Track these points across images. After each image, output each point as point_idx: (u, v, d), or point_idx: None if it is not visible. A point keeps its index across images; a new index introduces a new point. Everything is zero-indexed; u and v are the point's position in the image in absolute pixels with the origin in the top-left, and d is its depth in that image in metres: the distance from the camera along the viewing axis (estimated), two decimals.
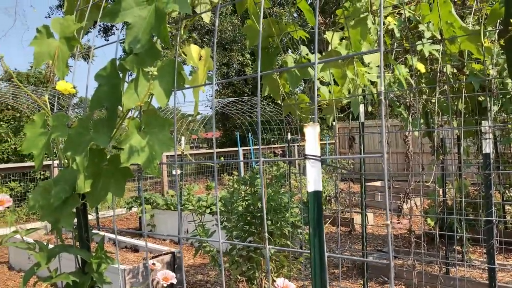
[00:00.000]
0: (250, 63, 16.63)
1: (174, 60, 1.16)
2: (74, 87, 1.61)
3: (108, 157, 1.24)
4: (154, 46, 1.15)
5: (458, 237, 3.78)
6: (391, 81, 2.64)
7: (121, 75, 1.21)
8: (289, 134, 8.41)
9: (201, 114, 12.13)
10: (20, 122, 9.60)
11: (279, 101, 2.73)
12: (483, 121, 2.17)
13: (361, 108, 2.70)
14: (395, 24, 2.64)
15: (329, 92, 2.64)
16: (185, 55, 1.20)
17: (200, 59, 1.24)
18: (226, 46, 16.45)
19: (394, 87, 2.87)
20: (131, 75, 1.24)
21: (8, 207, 1.30)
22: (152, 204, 6.43)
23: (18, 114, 9.86)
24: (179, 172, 5.14)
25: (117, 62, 1.21)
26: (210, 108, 14.14)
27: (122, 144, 1.14)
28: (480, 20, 1.90)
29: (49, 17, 20.36)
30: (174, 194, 6.72)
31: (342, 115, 3.07)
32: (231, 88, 17.60)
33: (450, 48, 2.07)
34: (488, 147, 2.04)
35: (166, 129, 1.19)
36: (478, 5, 1.92)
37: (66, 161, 1.36)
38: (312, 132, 0.87)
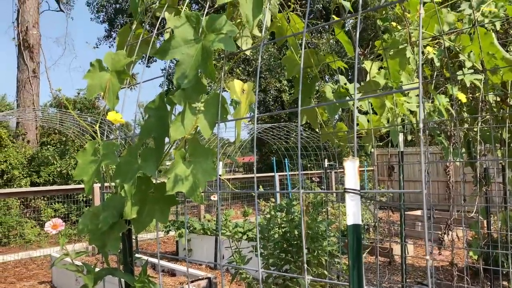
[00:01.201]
0: (287, 89, 16.77)
1: (218, 94, 1.22)
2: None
3: (154, 184, 1.31)
4: (200, 82, 1.22)
5: (504, 272, 3.61)
6: (431, 110, 2.62)
7: (168, 108, 1.28)
8: (326, 160, 8.35)
9: (241, 140, 12.28)
10: (65, 146, 10.04)
11: (317, 130, 2.76)
12: None
13: (400, 137, 2.69)
14: (434, 54, 2.64)
15: (368, 121, 2.65)
16: (229, 89, 1.26)
17: (242, 92, 1.29)
18: (261, 75, 16.70)
19: (434, 116, 2.84)
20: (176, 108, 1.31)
21: (60, 231, 1.37)
22: (189, 229, 6.50)
23: (64, 138, 10.32)
24: (216, 198, 5.21)
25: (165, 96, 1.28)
26: (248, 133, 14.32)
27: (168, 173, 1.20)
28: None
29: (97, 47, 21.35)
30: (211, 218, 6.78)
31: (381, 143, 3.05)
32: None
33: (492, 79, 2.05)
34: None
35: (209, 159, 1.24)
36: None
37: (114, 187, 1.44)
38: (351, 166, 0.90)
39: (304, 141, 11.40)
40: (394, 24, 2.49)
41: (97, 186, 6.05)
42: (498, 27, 2.56)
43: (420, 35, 0.89)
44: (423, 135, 2.90)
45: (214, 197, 5.48)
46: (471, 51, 2.10)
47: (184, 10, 1.71)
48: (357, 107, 2.63)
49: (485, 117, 2.63)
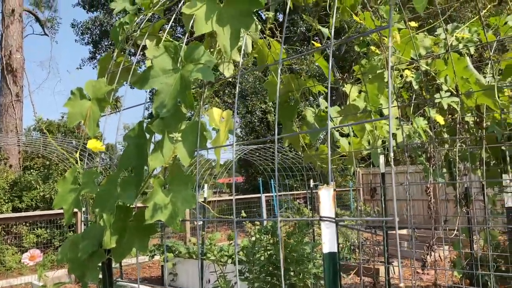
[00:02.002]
0: (273, 110, 16.89)
1: (197, 122, 1.24)
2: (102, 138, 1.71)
3: (134, 213, 1.30)
4: (179, 110, 1.23)
5: None
6: (411, 132, 2.67)
7: (148, 136, 1.29)
8: (311, 180, 8.37)
9: (223, 163, 12.27)
10: (49, 170, 9.90)
11: (300, 152, 2.78)
12: (503, 175, 2.16)
13: (381, 158, 2.72)
14: (413, 77, 2.71)
15: (349, 143, 2.68)
16: (208, 116, 1.28)
17: (221, 120, 1.31)
18: (247, 98, 16.83)
19: (415, 137, 2.89)
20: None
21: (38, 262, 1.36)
22: (174, 252, 6.42)
23: (47, 162, 10.18)
24: (200, 222, 5.17)
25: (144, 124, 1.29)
26: (235, 154, 14.28)
27: (147, 202, 1.20)
28: (495, 76, 1.94)
29: (81, 68, 21.33)
30: (196, 242, 6.71)
31: (363, 165, 3.08)
32: (253, 134, 17.81)
33: (467, 102, 2.11)
34: (510, 201, 2.02)
35: (189, 187, 1.25)
36: (492, 63, 1.97)
37: (94, 216, 1.43)
38: (326, 194, 0.91)
39: (289, 161, 11.44)
40: (373, 48, 2.56)
41: (83, 212, 5.96)
42: (472, 51, 2.64)
43: (389, 68, 0.92)
44: (404, 155, 2.95)
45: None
46: (447, 75, 2.16)
47: (165, 38, 1.74)
48: (338, 130, 2.67)
49: (463, 138, 2.69)
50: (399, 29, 2.18)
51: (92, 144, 1.59)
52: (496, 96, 1.77)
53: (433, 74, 2.16)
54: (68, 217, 1.49)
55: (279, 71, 1.13)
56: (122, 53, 1.86)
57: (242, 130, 18.97)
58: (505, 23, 2.08)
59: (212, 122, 1.26)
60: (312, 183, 8.22)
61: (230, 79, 1.94)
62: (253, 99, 16.76)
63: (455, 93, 2.06)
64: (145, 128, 1.27)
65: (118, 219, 1.29)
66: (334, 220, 0.91)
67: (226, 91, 14.54)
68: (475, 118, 2.29)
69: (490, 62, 1.91)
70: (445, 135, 3.53)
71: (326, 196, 0.91)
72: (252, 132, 17.87)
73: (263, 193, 10.65)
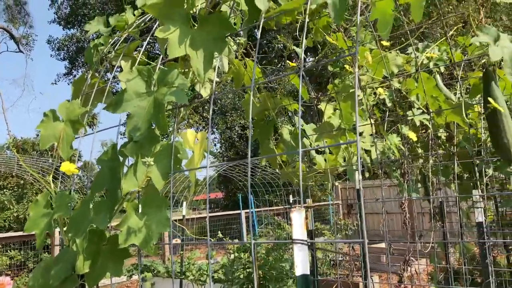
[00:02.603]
0: (252, 125, 16.96)
1: (171, 144, 1.24)
2: (79, 157, 1.69)
3: (107, 237, 1.29)
4: (153, 133, 1.23)
5: None
6: (385, 148, 2.72)
7: (121, 159, 1.28)
8: (290, 196, 8.40)
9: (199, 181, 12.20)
10: (23, 190, 9.66)
11: (277, 169, 2.80)
12: (473, 190, 2.22)
13: (357, 175, 2.76)
14: (386, 94, 2.77)
15: (325, 160, 2.72)
16: (182, 138, 1.28)
17: (196, 141, 1.32)
18: (227, 114, 16.87)
19: (389, 153, 2.94)
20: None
21: None
22: (153, 272, 6.31)
23: (22, 181, 9.94)
24: (179, 241, 5.11)
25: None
26: (213, 170, 14.26)
27: (120, 226, 1.20)
28: (462, 95, 2.01)
29: (56, 83, 21.03)
30: (176, 260, 6.62)
31: (339, 181, 3.12)
32: (233, 150, 17.81)
33: (437, 120, 2.17)
34: (480, 216, 2.07)
35: (163, 210, 1.24)
36: (460, 82, 2.04)
37: (67, 240, 1.41)
38: (298, 217, 0.93)
39: (269, 177, 11.45)
40: (347, 67, 2.62)
41: (57, 231, 5.82)
42: (442, 69, 2.73)
43: (356, 96, 0.95)
44: (379, 171, 3.00)
45: (177, 240, 5.38)
46: (418, 94, 2.22)
47: (140, 58, 1.75)
48: (314, 148, 2.70)
49: (435, 154, 2.75)
50: (371, 49, 2.24)
51: (66, 167, 1.57)
52: (464, 114, 1.83)
53: (403, 93, 2.22)
54: (40, 242, 1.46)
55: (251, 96, 1.14)
56: (97, 73, 1.85)
57: (222, 145, 18.95)
58: (470, 44, 2.17)
59: (186, 144, 1.27)
60: (291, 198, 8.26)
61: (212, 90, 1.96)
62: (233, 114, 16.80)
63: (425, 111, 2.12)
64: (118, 151, 1.27)
65: (91, 243, 1.28)
66: (306, 243, 0.92)
67: (206, 107, 14.54)
68: (446, 135, 2.36)
69: (458, 81, 1.97)
70: (419, 150, 3.61)
71: (298, 219, 0.92)
72: (232, 148, 17.86)
73: (242, 209, 10.61)
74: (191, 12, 1.29)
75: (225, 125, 17.34)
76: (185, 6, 1.25)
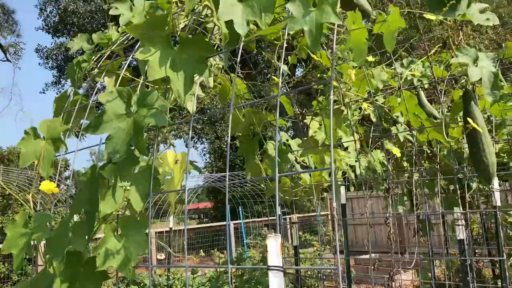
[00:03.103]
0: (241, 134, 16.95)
1: (150, 166, 1.24)
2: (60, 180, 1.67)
3: (86, 259, 1.27)
4: (132, 155, 1.23)
5: None
6: (372, 162, 2.73)
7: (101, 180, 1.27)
8: (279, 208, 8.37)
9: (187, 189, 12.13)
10: (8, 201, 9.52)
11: (262, 185, 2.80)
12: (455, 207, 2.24)
13: (342, 190, 2.77)
14: (371, 110, 2.80)
15: (310, 175, 2.73)
16: (161, 160, 1.28)
17: (176, 162, 1.32)
18: (216, 124, 16.86)
19: (374, 166, 2.96)
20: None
21: None
22: (139, 285, 6.24)
23: (7, 192, 9.80)
24: (163, 256, 5.07)
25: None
26: (202, 181, 14.21)
27: (98, 248, 1.18)
28: (443, 113, 2.04)
29: (44, 93, 20.85)
30: (162, 273, 6.55)
31: (324, 195, 3.12)
32: (222, 160, 17.78)
33: (419, 137, 2.19)
34: (461, 233, 2.09)
35: (142, 231, 1.24)
36: (441, 101, 2.07)
37: (45, 261, 1.39)
38: (274, 243, 0.93)
39: (258, 188, 11.44)
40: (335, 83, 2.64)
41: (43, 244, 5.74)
42: (426, 85, 2.76)
43: (330, 129, 0.96)
44: (364, 186, 3.01)
45: (161, 256, 5.34)
46: (401, 111, 2.24)
47: (124, 75, 1.74)
48: (299, 162, 2.71)
49: (419, 169, 2.78)
50: (354, 67, 2.26)
51: (45, 186, 1.55)
52: (444, 133, 1.85)
53: (386, 111, 2.24)
54: (18, 263, 1.44)
55: (231, 117, 1.15)
56: (80, 90, 1.84)
57: (211, 155, 18.90)
58: (450, 64, 2.20)
59: (166, 165, 1.26)
60: (279, 210, 8.23)
61: (199, 105, 1.96)
62: (222, 124, 16.80)
63: (407, 128, 2.14)
64: (97, 173, 1.26)
65: (69, 265, 1.26)
66: (282, 269, 0.92)
67: (194, 116, 14.51)
68: (429, 152, 2.38)
69: (440, 98, 2.00)
70: (405, 164, 3.64)
71: (273, 245, 0.92)
72: (221, 158, 17.83)
73: (231, 220, 10.57)
74: (174, 33, 1.30)
75: (215, 134, 17.33)
76: (166, 28, 1.25)
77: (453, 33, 1.67)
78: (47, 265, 1.31)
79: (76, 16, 18.56)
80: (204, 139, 18.74)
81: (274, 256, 0.91)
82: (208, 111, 14.20)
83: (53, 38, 19.64)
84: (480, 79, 1.66)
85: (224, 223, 10.55)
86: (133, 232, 1.23)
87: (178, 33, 1.32)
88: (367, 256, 8.90)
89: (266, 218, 11.52)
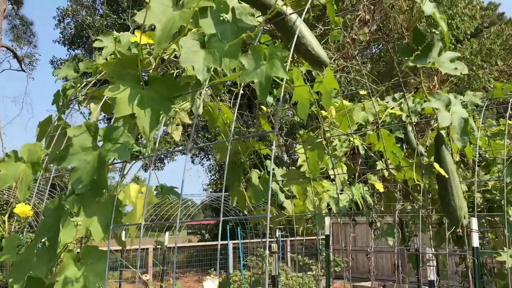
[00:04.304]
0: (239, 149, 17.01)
1: (113, 197, 1.28)
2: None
3: (46, 286, 1.31)
4: (95, 186, 1.28)
5: None
6: (353, 196, 2.75)
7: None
8: (278, 231, 8.36)
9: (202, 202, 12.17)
10: None
11: (245, 212, 2.83)
12: (427, 248, 2.25)
13: (327, 221, 2.79)
14: (359, 143, 2.83)
15: (294, 205, 2.75)
16: (124, 193, 1.32)
17: (140, 195, 1.36)
18: (217, 139, 16.97)
19: (357, 198, 2.98)
20: None
21: None
22: None
23: None
24: (148, 276, 5.09)
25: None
26: (206, 197, 14.23)
27: (57, 276, 1.23)
28: (418, 154, 2.06)
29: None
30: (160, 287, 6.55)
31: (311, 225, 3.15)
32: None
33: (397, 176, 2.22)
34: (432, 274, 2.09)
35: (102, 261, 1.28)
36: (418, 143, 2.10)
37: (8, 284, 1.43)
38: (211, 285, 0.96)
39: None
40: (324, 112, 2.69)
41: None
42: (414, 120, 2.80)
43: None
44: (349, 218, 3.03)
45: (146, 276, 5.36)
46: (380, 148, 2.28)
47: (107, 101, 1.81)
48: (284, 192, 2.74)
49: (403, 205, 2.79)
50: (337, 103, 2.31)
51: (20, 209, 1.60)
52: (414, 174, 1.88)
53: (365, 148, 2.28)
54: None
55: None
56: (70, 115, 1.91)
57: (216, 172, 18.94)
58: (423, 108, 2.24)
59: (127, 199, 1.31)
60: (278, 232, 8.20)
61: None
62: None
63: (385, 167, 2.17)
64: (61, 203, 1.31)
65: None
66: None
67: (200, 134, 14.65)
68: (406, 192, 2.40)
69: (416, 140, 2.04)
70: (397, 195, 3.65)
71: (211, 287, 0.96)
72: (214, 175, 17.91)
73: (231, 240, 10.55)
74: (145, 71, 1.36)
75: (208, 153, 17.43)
76: (138, 67, 1.32)
77: (426, 79, 1.72)
78: None
79: (92, 29, 18.95)
80: (210, 156, 18.81)
81: None
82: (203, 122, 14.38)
83: (68, 50, 20.03)
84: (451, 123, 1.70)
85: (225, 242, 10.51)
86: (93, 261, 1.27)
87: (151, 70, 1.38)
88: (367, 283, 8.79)
89: (263, 240, 11.45)
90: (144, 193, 1.35)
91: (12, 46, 16.45)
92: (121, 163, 1.37)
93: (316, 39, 1.19)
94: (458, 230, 1.78)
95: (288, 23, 1.19)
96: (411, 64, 1.57)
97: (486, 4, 20.57)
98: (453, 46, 13.39)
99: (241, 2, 1.27)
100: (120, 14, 16.27)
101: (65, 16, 20.09)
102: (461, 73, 1.64)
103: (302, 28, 1.19)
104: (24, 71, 17.18)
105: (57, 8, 18.64)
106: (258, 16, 1.29)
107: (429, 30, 1.61)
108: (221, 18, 1.17)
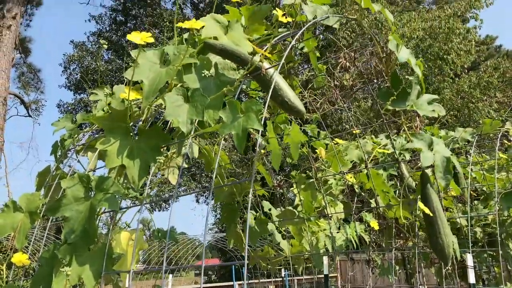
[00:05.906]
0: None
1: (104, 245, 1.33)
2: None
3: None
4: (87, 235, 1.33)
5: None
6: (348, 234, 2.77)
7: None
8: (282, 269, 8.26)
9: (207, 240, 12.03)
10: None
11: (244, 254, 2.85)
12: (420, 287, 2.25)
13: (325, 260, 2.80)
14: (354, 181, 2.88)
15: (291, 245, 2.77)
16: (114, 241, 1.38)
17: (131, 241, 1.41)
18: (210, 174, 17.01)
19: (352, 237, 2.99)
20: None
21: None
22: None
23: None
24: None
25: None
26: (211, 237, 14.12)
27: None
28: (407, 192, 2.11)
29: None
30: None
31: (310, 264, 3.15)
32: None
33: (388, 214, 2.26)
34: None
35: None
36: (405, 180, 2.15)
37: None
38: None
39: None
40: (321, 151, 2.75)
41: None
42: (407, 157, 2.85)
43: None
44: (347, 257, 3.03)
45: None
46: (371, 187, 2.33)
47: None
48: (281, 232, 2.77)
49: (397, 243, 2.80)
50: (327, 144, 2.38)
51: (17, 258, 1.65)
52: (401, 213, 1.92)
53: (356, 187, 2.33)
54: None
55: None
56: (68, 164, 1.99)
57: (220, 212, 18.86)
58: (406, 148, 2.30)
59: (118, 247, 1.36)
60: (283, 272, 8.09)
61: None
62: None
63: (377, 205, 2.21)
64: (53, 252, 1.36)
65: None
66: None
67: (203, 174, 14.71)
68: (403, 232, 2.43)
69: (404, 182, 2.09)
70: (393, 231, 3.65)
71: None
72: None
73: (236, 281, 10.39)
74: (135, 123, 1.44)
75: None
76: (128, 120, 1.40)
77: (408, 120, 1.79)
78: None
79: (97, 74, 19.43)
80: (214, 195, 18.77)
81: None
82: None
83: (74, 94, 20.47)
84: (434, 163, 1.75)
85: (229, 283, 10.36)
86: None
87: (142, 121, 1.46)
88: None
89: (270, 280, 11.28)
90: (136, 240, 1.40)
91: (19, 93, 16.85)
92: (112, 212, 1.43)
93: (292, 90, 1.28)
94: (448, 267, 1.79)
95: (265, 77, 1.28)
96: (390, 107, 1.64)
97: (483, 38, 20.97)
98: (451, 80, 13.58)
99: (225, 59, 1.36)
100: (124, 59, 16.72)
101: (70, 62, 20.65)
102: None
103: (278, 81, 1.28)
104: (31, 116, 17.50)
105: (63, 54, 19.20)
106: (240, 69, 1.38)
107: (402, 76, 1.70)
108: (203, 75, 1.26)
